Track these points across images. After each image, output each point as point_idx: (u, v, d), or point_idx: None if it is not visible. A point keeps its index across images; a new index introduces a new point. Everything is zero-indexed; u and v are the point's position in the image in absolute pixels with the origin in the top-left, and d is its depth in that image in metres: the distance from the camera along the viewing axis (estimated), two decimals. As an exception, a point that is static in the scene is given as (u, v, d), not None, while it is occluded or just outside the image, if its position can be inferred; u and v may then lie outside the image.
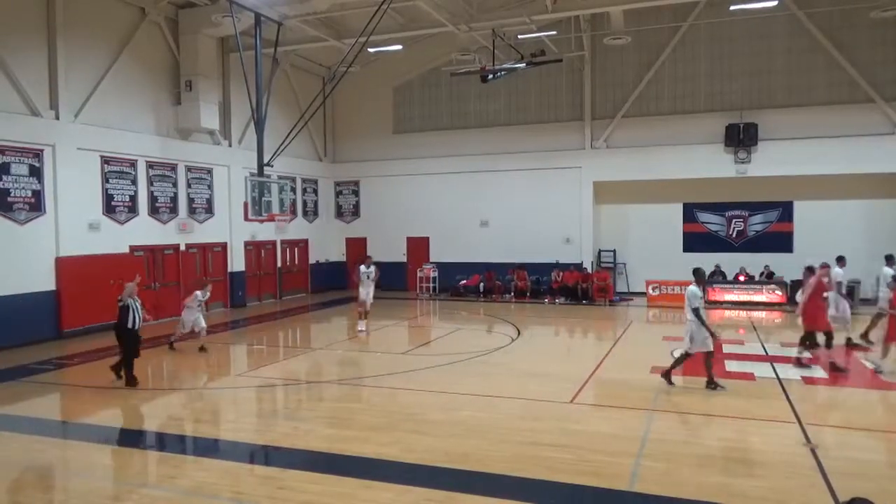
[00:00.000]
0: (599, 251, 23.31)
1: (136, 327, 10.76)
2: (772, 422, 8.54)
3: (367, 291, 16.66)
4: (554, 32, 20.88)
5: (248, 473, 7.18)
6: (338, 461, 7.28)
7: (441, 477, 6.83)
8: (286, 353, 14.96)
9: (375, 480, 6.65)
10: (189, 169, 19.26)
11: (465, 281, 23.50)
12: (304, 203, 24.89)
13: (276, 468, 7.30)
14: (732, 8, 18.93)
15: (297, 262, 24.34)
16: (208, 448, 8.05)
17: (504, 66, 18.77)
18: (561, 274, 22.27)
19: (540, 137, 23.26)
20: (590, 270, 22.50)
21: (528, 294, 22.54)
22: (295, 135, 18.79)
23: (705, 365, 10.21)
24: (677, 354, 10.78)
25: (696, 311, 10.02)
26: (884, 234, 20.37)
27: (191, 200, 19.36)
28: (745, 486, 6.48)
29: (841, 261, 13.84)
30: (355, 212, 26.36)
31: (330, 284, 25.33)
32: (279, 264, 23.35)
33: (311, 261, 25.03)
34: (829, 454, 7.25)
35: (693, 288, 10.16)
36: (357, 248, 26.18)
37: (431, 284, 24.22)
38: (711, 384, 10.12)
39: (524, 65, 18.54)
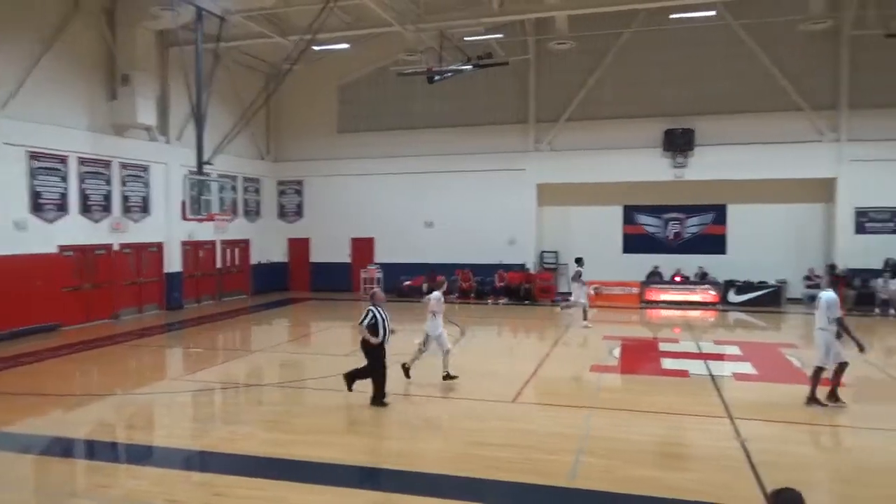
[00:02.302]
0: (542, 252, 23.64)
1: None
2: (705, 417, 8.83)
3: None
4: (500, 35, 21.08)
5: (184, 480, 6.96)
6: (276, 465, 7.14)
7: (382, 478, 6.79)
8: (225, 356, 14.60)
9: (315, 484, 6.55)
10: (124, 166, 18.58)
11: (409, 282, 23.45)
12: (246, 202, 24.37)
13: (212, 474, 7.10)
14: (672, 17, 19.51)
15: (237, 262, 23.80)
16: (141, 455, 7.77)
17: (451, 67, 18.85)
18: (505, 275, 22.49)
19: (485, 139, 23.43)
20: (532, 271, 22.80)
21: (472, 295, 22.67)
22: (236, 132, 18.39)
23: (837, 377, 9.21)
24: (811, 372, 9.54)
25: (839, 321, 9.00)
26: (810, 237, 21.38)
27: (125, 199, 18.67)
28: (679, 480, 6.68)
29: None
30: (298, 212, 25.97)
31: (272, 286, 24.85)
32: (219, 265, 22.78)
33: (253, 261, 24.52)
34: (758, 447, 7.53)
35: (833, 295, 9.13)
36: (300, 248, 25.78)
37: (376, 286, 24.05)
38: (833, 398, 9.23)
39: (471, 67, 18.67)
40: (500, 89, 23.28)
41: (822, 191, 21.06)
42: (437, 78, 19.20)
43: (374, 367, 9.41)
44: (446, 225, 23.89)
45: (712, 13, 19.21)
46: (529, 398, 10.12)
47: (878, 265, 19.46)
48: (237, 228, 23.44)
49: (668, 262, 22.14)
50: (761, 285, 20.77)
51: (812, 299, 20.27)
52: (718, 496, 6.26)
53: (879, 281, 19.18)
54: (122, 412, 9.59)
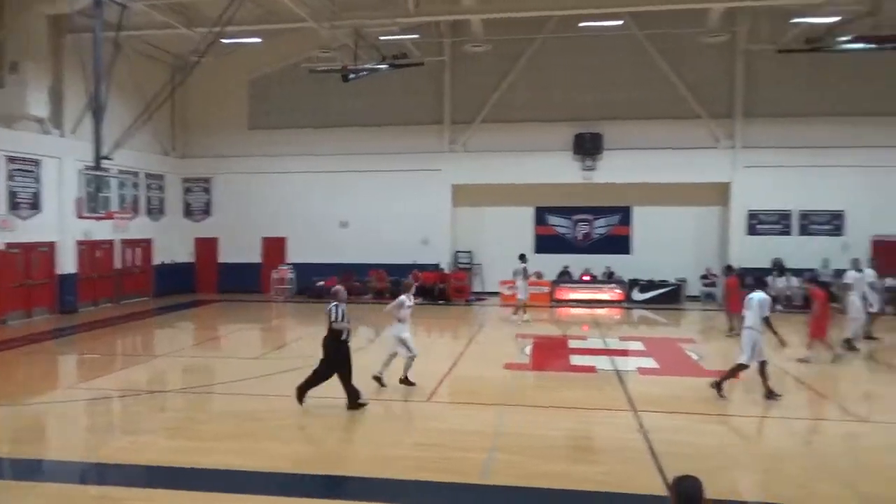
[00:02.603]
0: (456, 252, 23.86)
1: None
2: (611, 411, 9.16)
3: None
4: (416, 36, 21.09)
5: (81, 494, 6.53)
6: (181, 474, 6.82)
7: (295, 484, 6.62)
8: (124, 361, 13.83)
9: (222, 492, 6.32)
10: (11, 160, 17.25)
11: (322, 282, 23.06)
12: (149, 200, 23.20)
13: (111, 486, 6.71)
14: (581, 25, 20.15)
15: (138, 263, 22.62)
16: (33, 470, 7.22)
17: (366, 66, 18.69)
18: (419, 275, 22.50)
19: (401, 139, 23.38)
20: (447, 271, 22.96)
21: (387, 295, 22.54)
22: (138, 126, 17.48)
23: (764, 375, 9.70)
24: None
25: (766, 320, 9.48)
26: (707, 238, 22.64)
27: (13, 195, 17.34)
28: (587, 472, 6.90)
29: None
30: (206, 210, 25.00)
31: (177, 287, 23.75)
32: (118, 265, 21.58)
33: (156, 262, 23.39)
34: (660, 438, 7.89)
35: (765, 295, 9.64)
36: (208, 248, 24.83)
37: (288, 286, 23.55)
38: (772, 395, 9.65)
39: (386, 66, 18.59)
40: (415, 90, 23.30)
41: (719, 194, 22.36)
42: (351, 76, 18.99)
43: (342, 365, 9.11)
44: (361, 225, 23.67)
45: (619, 23, 20.01)
46: (444, 397, 10.18)
47: (768, 264, 20.86)
48: (139, 227, 22.31)
49: (577, 262, 22.86)
50: (663, 284, 21.81)
51: (709, 297, 21.63)
52: (624, 486, 6.50)
53: (768, 279, 20.52)
54: (10, 424, 8.89)
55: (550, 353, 13.94)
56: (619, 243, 23.16)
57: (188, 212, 25.05)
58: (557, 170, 22.59)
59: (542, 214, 23.75)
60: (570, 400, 9.72)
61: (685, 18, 20.42)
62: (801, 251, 20.83)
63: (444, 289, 22.10)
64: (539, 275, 21.41)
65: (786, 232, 21.77)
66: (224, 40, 18.67)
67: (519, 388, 10.80)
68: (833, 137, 20.90)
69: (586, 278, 22.40)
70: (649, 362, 12.62)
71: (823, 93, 21.05)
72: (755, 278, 11.37)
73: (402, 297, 10.59)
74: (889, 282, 19.98)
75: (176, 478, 6.73)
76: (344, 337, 9.16)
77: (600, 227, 23.46)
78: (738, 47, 21.24)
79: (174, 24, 18.57)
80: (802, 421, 9.09)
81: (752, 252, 21.37)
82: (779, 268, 20.63)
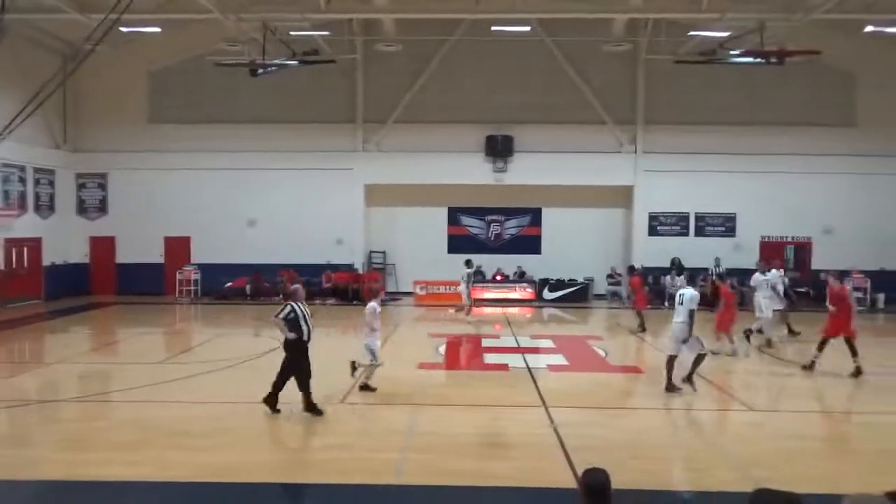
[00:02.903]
0: (370, 252, 23.69)
1: None
2: (522, 407, 9.36)
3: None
4: (327, 33, 20.74)
5: (-45, 515, 6.00)
6: (75, 488, 6.40)
7: (201, 493, 6.35)
8: (11, 370, 12.76)
9: (122, 505, 5.97)
10: None
11: (230, 283, 22.31)
12: (37, 196, 21.61)
13: (-7, 505, 6.20)
14: (493, 29, 20.50)
15: (26, 264, 21.02)
16: None
17: (275, 61, 18.19)
18: (332, 275, 22.20)
19: (312, 137, 22.94)
20: (361, 271, 22.75)
21: (298, 296, 22.05)
22: (25, 117, 16.26)
23: (695, 366, 10.19)
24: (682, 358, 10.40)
25: (691, 314, 10.02)
26: (612, 239, 23.59)
27: None
28: (500, 468, 7.01)
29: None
30: (102, 208, 23.57)
31: (70, 289, 22.24)
32: (1, 266, 19.97)
33: (46, 262, 21.83)
34: (570, 432, 8.13)
35: (695, 292, 10.27)
36: (104, 248, 23.42)
37: (193, 288, 22.60)
38: (688, 383, 10.15)
39: (296, 62, 18.16)
40: (327, 87, 22.94)
41: (623, 197, 23.34)
42: (260, 71, 18.42)
43: (298, 365, 8.77)
44: (271, 224, 23.04)
45: (527, 29, 20.50)
46: (357, 399, 10.06)
47: (667, 264, 21.97)
48: (25, 225, 20.78)
49: (489, 262, 23.22)
50: (571, 283, 22.54)
51: (614, 295, 22.53)
52: (536, 480, 6.65)
53: (667, 278, 21.64)
54: None
55: (464, 352, 14.08)
56: (529, 243, 23.73)
57: (82, 209, 23.55)
58: (469, 171, 22.88)
59: (454, 215, 23.98)
60: (483, 398, 9.85)
61: (591, 27, 21.18)
62: (697, 251, 22.05)
63: (359, 289, 21.87)
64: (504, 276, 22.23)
65: (684, 233, 23.03)
66: (122, 28, 17.70)
67: (433, 387, 10.84)
68: (726, 144, 22.30)
69: (498, 278, 22.80)
70: (559, 359, 12.99)
71: (717, 102, 22.40)
72: (688, 276, 12.07)
73: (374, 304, 10.23)
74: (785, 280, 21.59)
75: (71, 493, 6.30)
76: (304, 335, 8.84)
77: (511, 227, 23.95)
78: (640, 57, 22.25)
79: (65, 9, 17.40)
80: (702, 412, 9.60)
81: (654, 252, 22.46)
82: (677, 267, 21.74)
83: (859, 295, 20.72)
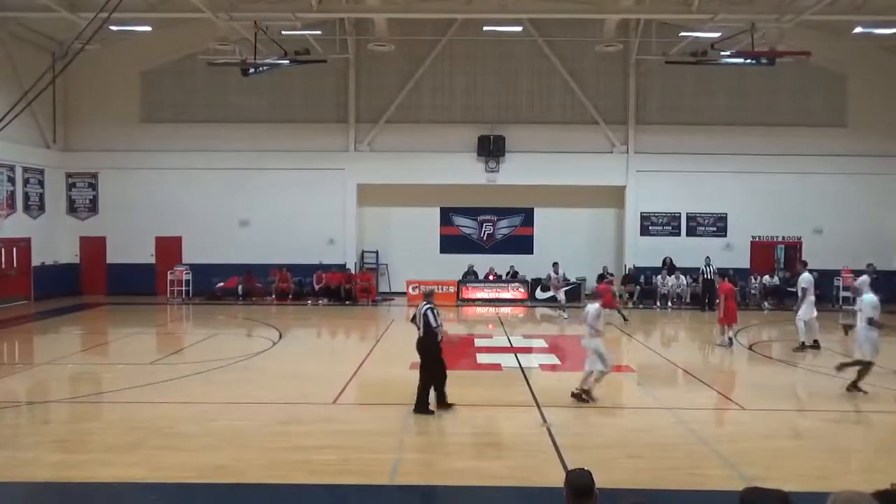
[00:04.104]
0: (363, 252, 23.67)
1: None
2: (516, 407, 9.39)
3: None
4: (319, 32, 20.71)
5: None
6: (70, 490, 6.38)
7: (195, 493, 6.34)
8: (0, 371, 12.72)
9: (115, 506, 5.95)
10: None
11: (222, 283, 22.23)
12: (27, 195, 21.45)
13: (-16, 507, 6.17)
14: (485, 29, 20.52)
15: (15, 264, 20.86)
16: None
17: (266, 61, 18.13)
18: (324, 275, 22.17)
19: (304, 137, 22.89)
20: (353, 271, 22.73)
21: (290, 296, 22.05)
22: (14, 116, 16.10)
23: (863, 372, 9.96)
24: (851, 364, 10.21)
25: (871, 321, 9.84)
26: (605, 238, 23.66)
27: None
28: (494, 468, 7.03)
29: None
30: (92, 207, 23.43)
31: (60, 290, 22.08)
32: (-8, 266, 19.84)
33: (36, 262, 21.68)
34: (562, 431, 8.16)
35: (874, 297, 10.02)
36: (95, 248, 23.26)
37: (184, 288, 22.51)
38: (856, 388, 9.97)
39: (287, 62, 18.10)
40: (319, 87, 22.91)
41: (615, 197, 23.41)
42: (251, 71, 18.35)
43: (437, 366, 9.04)
44: (263, 224, 22.97)
45: (519, 28, 20.53)
46: (350, 399, 10.07)
47: (658, 263, 22.06)
48: (15, 225, 20.63)
49: (482, 262, 23.24)
50: (564, 283, 22.51)
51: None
52: (530, 480, 6.68)
53: (658, 278, 21.73)
54: None
55: (457, 352, 14.06)
56: (522, 243, 23.76)
57: (72, 209, 23.40)
58: (462, 171, 22.89)
59: (447, 215, 23.99)
60: (476, 398, 9.86)
61: (583, 28, 21.24)
62: (688, 251, 22.13)
63: (351, 289, 21.86)
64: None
65: (675, 233, 23.11)
66: (113, 27, 17.61)
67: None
68: (717, 145, 22.41)
69: (491, 278, 22.82)
70: (552, 359, 13.03)
71: (708, 103, 22.52)
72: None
73: (597, 307, 9.71)
74: (767, 279, 21.75)
75: (66, 494, 6.29)
76: (439, 336, 9.12)
77: (504, 227, 23.99)
78: (631, 58, 22.32)
79: (55, 8, 17.28)
80: (695, 410, 9.64)
81: (645, 252, 22.55)
82: (669, 266, 21.85)
83: (848, 293, 20.94)
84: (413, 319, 9.51)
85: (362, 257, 23.63)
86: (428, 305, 9.15)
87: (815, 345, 13.47)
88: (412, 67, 22.77)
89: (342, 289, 21.79)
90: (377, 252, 23.68)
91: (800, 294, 13.51)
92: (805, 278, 13.57)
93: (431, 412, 8.85)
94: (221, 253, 22.72)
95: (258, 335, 15.66)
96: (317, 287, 22.01)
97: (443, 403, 9.04)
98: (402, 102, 22.89)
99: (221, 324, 18.10)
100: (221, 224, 22.93)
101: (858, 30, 19.18)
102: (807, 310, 13.34)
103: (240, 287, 22.07)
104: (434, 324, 9.00)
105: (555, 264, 19.82)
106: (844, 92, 22.55)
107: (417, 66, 22.75)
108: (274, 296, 21.98)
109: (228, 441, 7.80)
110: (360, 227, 23.64)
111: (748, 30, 17.14)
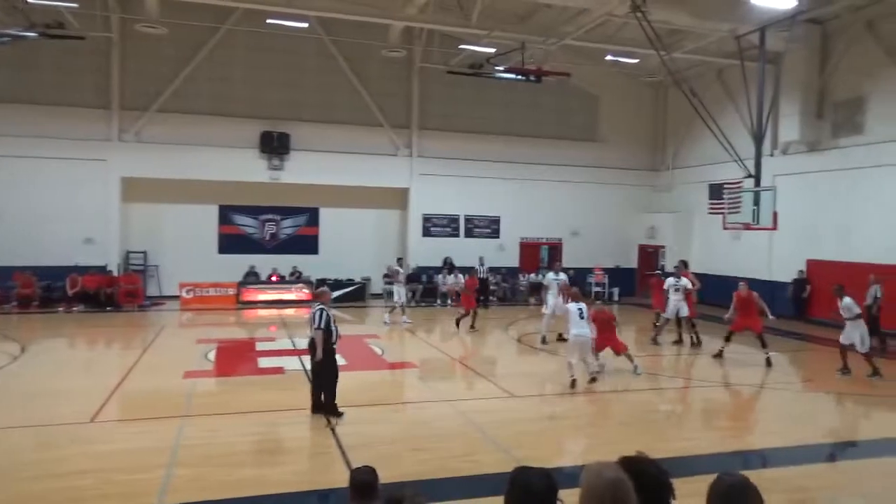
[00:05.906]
0: (128, 252, 21.47)
1: None
2: (299, 410, 9.14)
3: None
4: (75, 5, 18.34)
5: None
6: None
7: None
8: None
9: None
10: None
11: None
12: None
13: None
14: (269, 21, 19.75)
15: None
16: None
17: (8, 31, 15.64)
18: (80, 278, 19.67)
19: (57, 121, 20.10)
20: (116, 273, 20.51)
21: (36, 302, 19.24)
22: None
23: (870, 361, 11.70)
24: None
25: (859, 316, 11.70)
26: (389, 239, 24.16)
27: None
28: (278, 474, 6.77)
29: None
30: None
31: None
32: None
33: None
34: (347, 431, 8.13)
35: (849, 300, 11.61)
36: None
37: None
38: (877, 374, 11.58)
39: (36, 35, 15.79)
40: (77, 67, 20.33)
41: (399, 198, 24.02)
42: (-10, 41, 15.72)
43: (330, 371, 8.80)
44: (4, 220, 19.73)
45: (305, 25, 20.12)
46: (112, 415, 9.04)
47: (440, 263, 23.09)
48: None
49: (264, 263, 22.39)
50: (349, 283, 22.61)
51: (390, 295, 23.03)
52: (316, 483, 6.57)
53: (440, 277, 22.74)
54: None
55: (236, 357, 13.41)
56: (306, 243, 23.34)
57: None
58: (243, 168, 21.85)
59: (226, 213, 22.73)
60: (257, 403, 9.45)
61: (369, 31, 21.46)
62: (466, 251, 23.45)
63: (113, 293, 19.67)
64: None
65: (455, 234, 24.36)
66: None
67: (201, 396, 10.13)
68: (491, 153, 24.06)
69: (274, 279, 22.08)
70: (338, 359, 12.91)
71: (484, 113, 24.09)
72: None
73: (575, 305, 10.92)
74: (532, 277, 23.79)
75: None
76: (333, 339, 8.84)
77: (288, 227, 23.36)
78: (415, 64, 23.09)
79: None
80: (470, 401, 10.19)
81: (427, 252, 23.46)
82: (449, 266, 22.96)
83: (599, 289, 23.79)
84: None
85: (127, 258, 21.42)
86: (320, 306, 8.92)
87: (561, 337, 14.98)
88: (189, 54, 21.18)
89: (102, 293, 19.52)
90: (145, 252, 21.63)
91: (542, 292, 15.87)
92: (547, 278, 15.74)
93: (341, 413, 8.69)
94: (-55, 253, 19.09)
95: (-6, 348, 13.41)
96: (70, 292, 19.45)
97: (322, 408, 8.82)
98: (176, 91, 21.18)
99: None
100: (-55, 219, 19.27)
101: (609, 57, 21.85)
102: (553, 305, 14.95)
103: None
104: (315, 325, 8.73)
105: (399, 259, 20.47)
106: (597, 110, 25.59)
107: (194, 52, 21.22)
108: (16, 303, 19.03)
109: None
110: (126, 225, 21.40)
111: (519, 48, 18.64)
